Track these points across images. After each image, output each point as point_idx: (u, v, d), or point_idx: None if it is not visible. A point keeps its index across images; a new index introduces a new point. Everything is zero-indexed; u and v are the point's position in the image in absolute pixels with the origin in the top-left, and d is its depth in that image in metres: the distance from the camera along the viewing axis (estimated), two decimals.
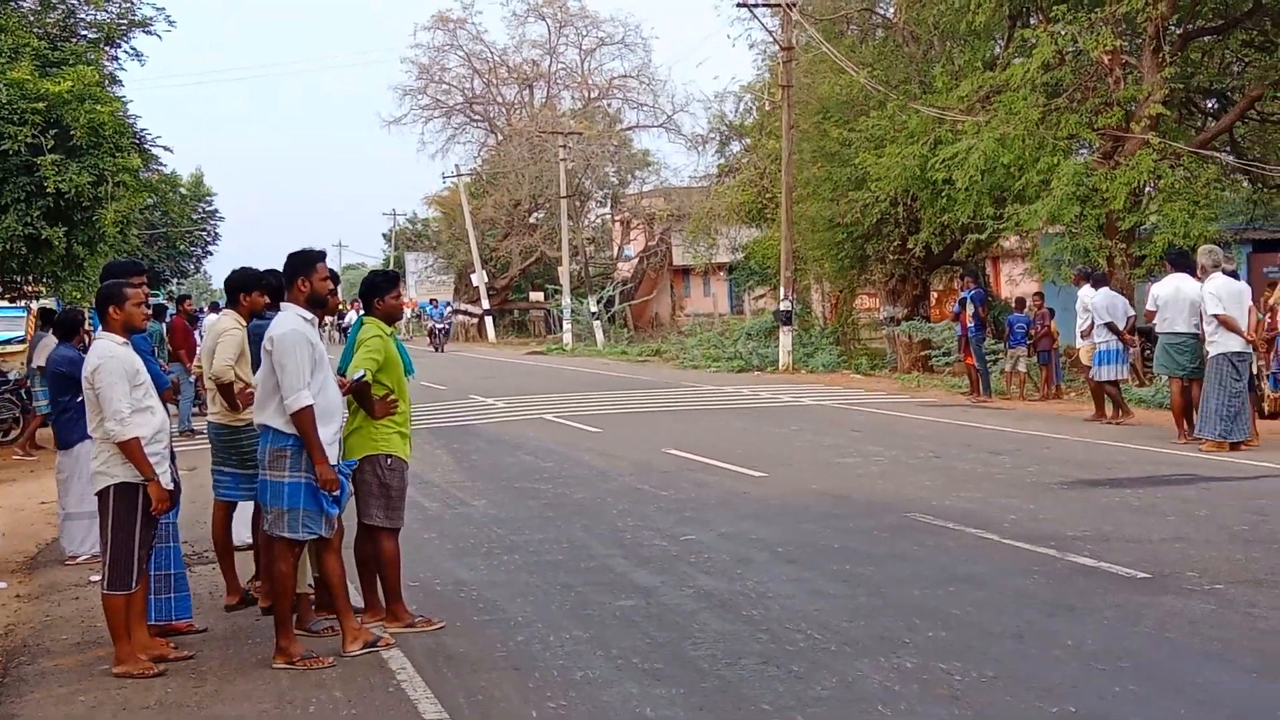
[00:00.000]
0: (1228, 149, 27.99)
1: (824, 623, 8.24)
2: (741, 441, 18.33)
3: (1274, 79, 25.76)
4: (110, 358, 7.72)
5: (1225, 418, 15.70)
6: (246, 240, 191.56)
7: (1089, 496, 12.81)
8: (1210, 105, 30.40)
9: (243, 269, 9.59)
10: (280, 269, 8.83)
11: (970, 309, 24.28)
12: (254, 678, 7.63)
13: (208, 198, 77.53)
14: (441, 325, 57.62)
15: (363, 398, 8.19)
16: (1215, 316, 15.81)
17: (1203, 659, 7.27)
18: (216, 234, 78.70)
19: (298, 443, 7.69)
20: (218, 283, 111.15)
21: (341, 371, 8.31)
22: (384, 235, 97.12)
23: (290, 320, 7.82)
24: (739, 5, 36.74)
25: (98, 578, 8.37)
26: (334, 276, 8.30)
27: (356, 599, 8.98)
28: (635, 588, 9.48)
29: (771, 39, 37.69)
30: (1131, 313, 19.81)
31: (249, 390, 8.84)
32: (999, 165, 25.02)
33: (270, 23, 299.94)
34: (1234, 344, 15.77)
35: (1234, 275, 16.35)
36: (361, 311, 8.76)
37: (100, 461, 7.75)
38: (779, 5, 34.89)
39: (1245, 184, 29.78)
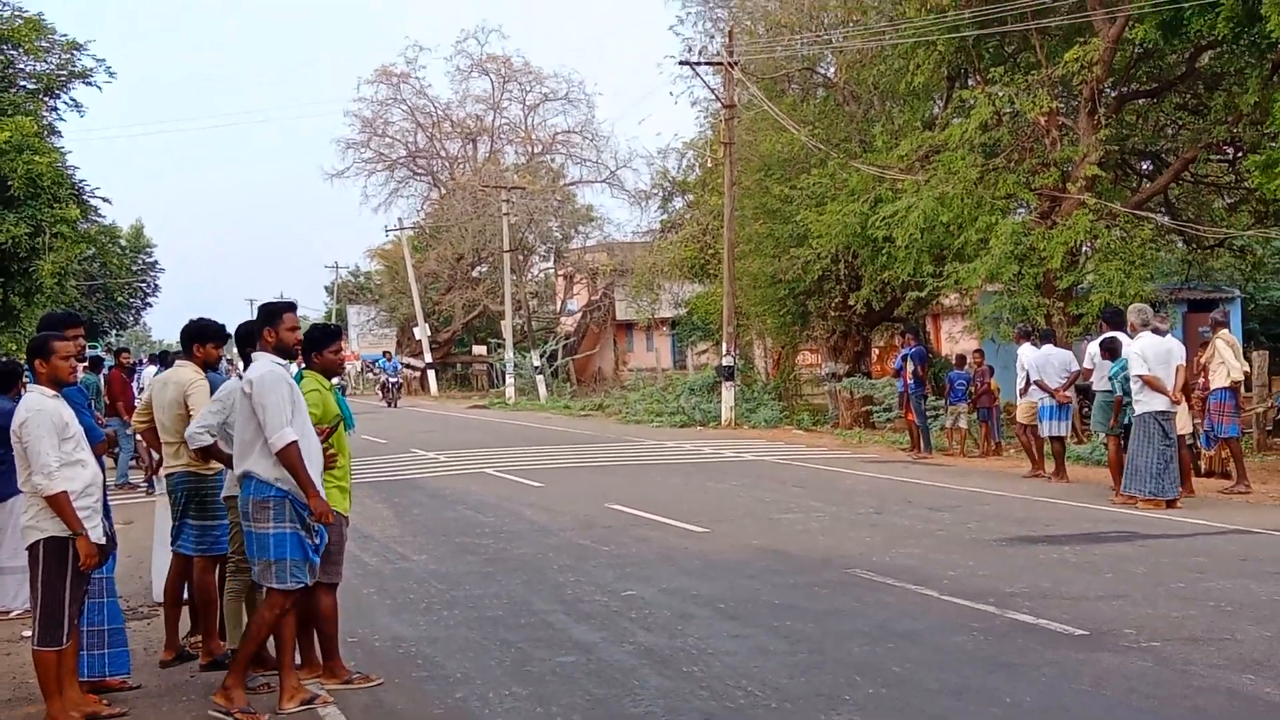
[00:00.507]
0: (1162, 210, 28.44)
1: (764, 679, 8.23)
2: (683, 497, 18.32)
3: (1207, 141, 26.23)
4: (38, 410, 7.62)
5: (1154, 475, 15.83)
6: (187, 292, 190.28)
7: (1028, 553, 12.88)
8: (1145, 167, 30.92)
9: (200, 319, 9.61)
10: (219, 322, 9.09)
11: (910, 366, 24.44)
12: None
13: (147, 249, 77.09)
14: (395, 379, 55.63)
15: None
16: (1139, 377, 15.97)
17: (1139, 715, 7.32)
18: (156, 285, 78.23)
19: (281, 494, 7.71)
20: (157, 334, 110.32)
21: None
22: (326, 288, 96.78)
23: (267, 364, 7.89)
24: (682, 63, 37.07)
25: (29, 633, 8.24)
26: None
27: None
28: (575, 644, 9.43)
29: (714, 96, 37.99)
30: (1075, 368, 19.96)
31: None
32: (938, 224, 25.30)
33: (210, 74, 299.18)
34: (1158, 403, 15.90)
35: (1160, 333, 16.49)
36: (302, 365, 8.72)
37: (30, 515, 7.64)
38: (721, 64, 35.17)
39: (1180, 245, 30.25)
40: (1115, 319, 17.67)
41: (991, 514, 15.82)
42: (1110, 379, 17.04)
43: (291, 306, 8.33)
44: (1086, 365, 17.62)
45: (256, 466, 7.70)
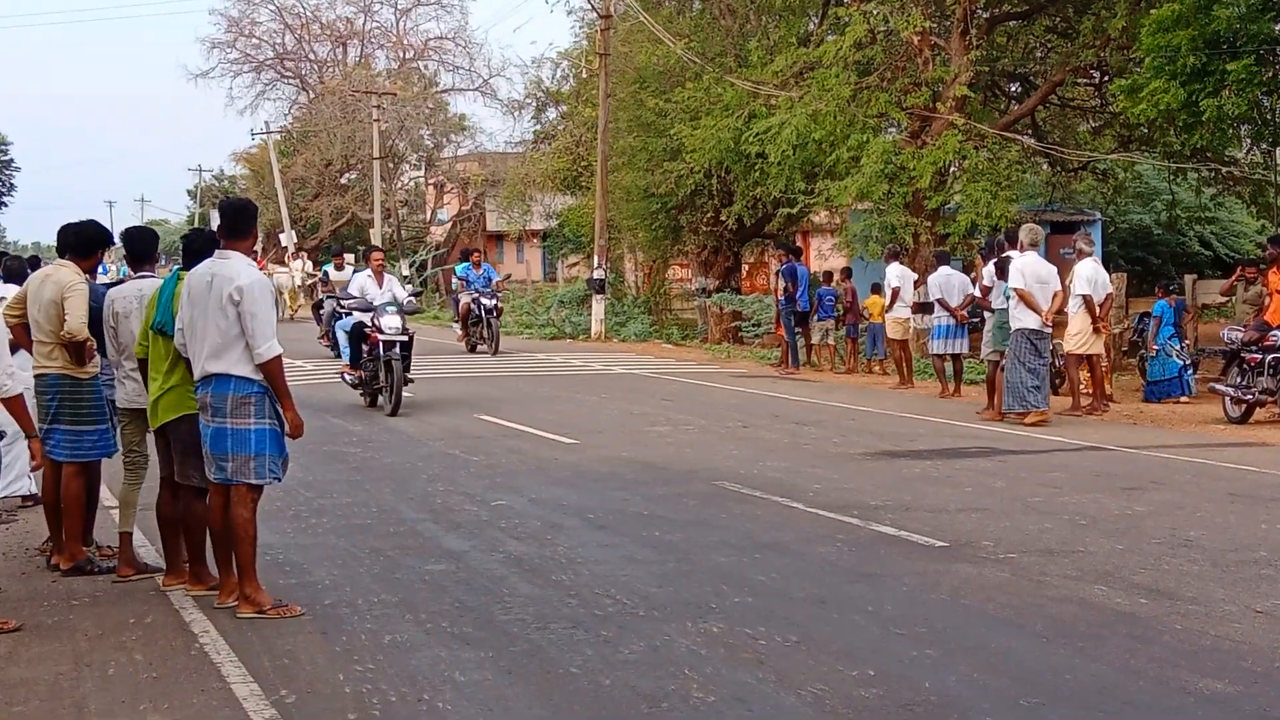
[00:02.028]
0: (1029, 132, 28.87)
1: (633, 588, 8.33)
2: (553, 409, 18.36)
3: (1075, 65, 26.63)
4: None
5: (1031, 389, 16.12)
6: (44, 192, 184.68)
7: (891, 467, 13.14)
8: (1014, 89, 31.33)
9: (95, 223, 9.41)
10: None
11: (781, 282, 24.61)
12: (50, 639, 7.42)
13: (2, 145, 74.68)
14: (494, 303, 29.29)
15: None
16: (1015, 291, 16.24)
17: (996, 624, 7.53)
18: (11, 184, 75.83)
19: (262, 390, 7.74)
20: (12, 234, 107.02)
21: (160, 328, 8.11)
22: (189, 191, 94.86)
23: (253, 270, 7.89)
24: None
25: None
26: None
27: (158, 560, 8.84)
28: (445, 552, 9.45)
29: (590, 6, 37.66)
30: (971, 290, 20.21)
31: (93, 345, 8.86)
32: (811, 141, 25.41)
33: None
34: (1031, 321, 16.20)
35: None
36: (179, 266, 8.52)
37: None
38: None
39: (1045, 167, 30.77)
40: (1014, 240, 17.76)
41: (857, 429, 16.09)
42: (1005, 297, 17.13)
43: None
44: (985, 283, 17.78)
45: (237, 368, 7.69)
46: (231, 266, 7.79)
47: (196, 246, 8.31)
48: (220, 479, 7.80)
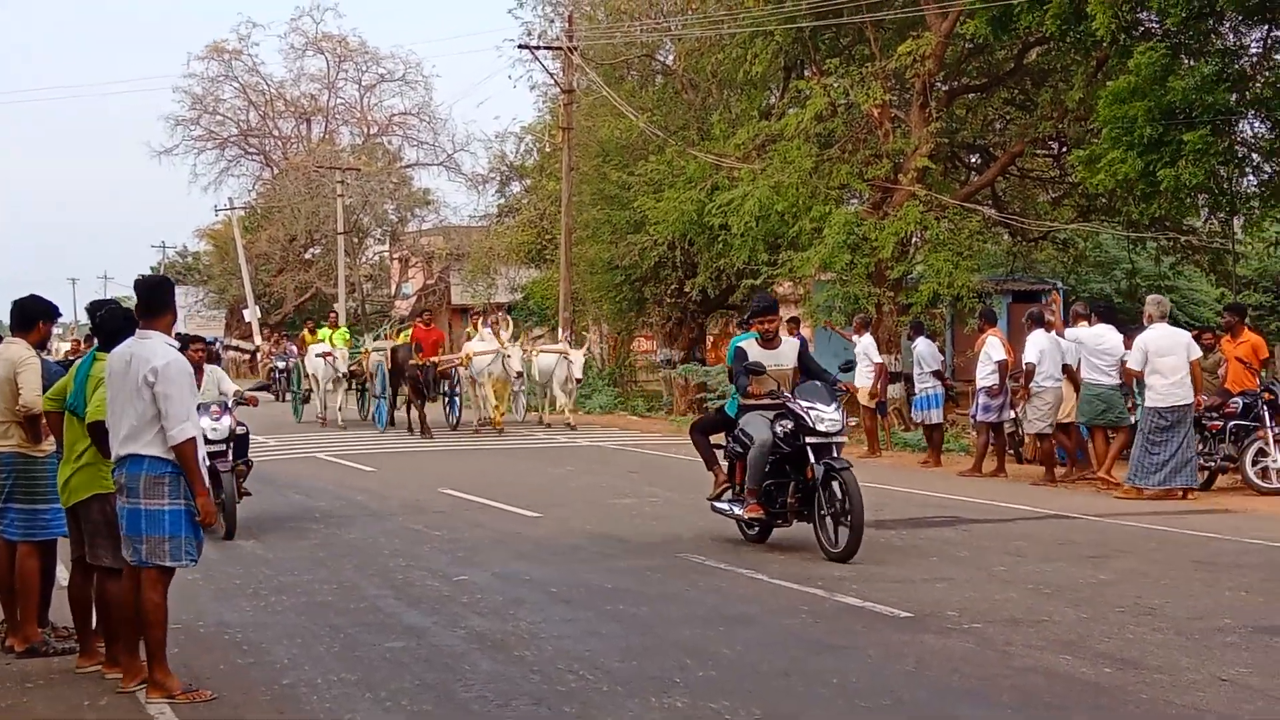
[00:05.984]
0: (990, 202, 29.08)
1: (596, 663, 8.24)
2: (517, 481, 18.26)
3: (1033, 136, 26.92)
4: None
5: (1150, 468, 15.54)
6: (3, 270, 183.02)
7: None
8: (974, 160, 31.59)
9: (36, 297, 9.29)
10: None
11: None
12: None
13: None
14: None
15: (98, 436, 7.86)
16: (1130, 371, 15.82)
17: (961, 695, 7.48)
18: None
19: (175, 470, 7.57)
20: None
21: (72, 408, 8.03)
22: (152, 268, 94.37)
23: (171, 350, 7.73)
24: (520, 47, 36.84)
25: None
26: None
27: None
28: (406, 629, 9.34)
29: (553, 81, 37.89)
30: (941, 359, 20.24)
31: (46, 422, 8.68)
32: (773, 212, 25.56)
33: (24, 46, 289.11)
34: (1153, 397, 15.59)
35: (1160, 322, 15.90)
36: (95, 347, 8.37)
37: None
38: (560, 49, 35.11)
39: (1006, 236, 30.94)
40: (1107, 313, 17.18)
41: None
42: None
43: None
44: (1030, 360, 17.41)
45: (151, 449, 7.55)
46: (149, 347, 7.67)
47: (110, 326, 8.17)
48: (136, 561, 7.65)
